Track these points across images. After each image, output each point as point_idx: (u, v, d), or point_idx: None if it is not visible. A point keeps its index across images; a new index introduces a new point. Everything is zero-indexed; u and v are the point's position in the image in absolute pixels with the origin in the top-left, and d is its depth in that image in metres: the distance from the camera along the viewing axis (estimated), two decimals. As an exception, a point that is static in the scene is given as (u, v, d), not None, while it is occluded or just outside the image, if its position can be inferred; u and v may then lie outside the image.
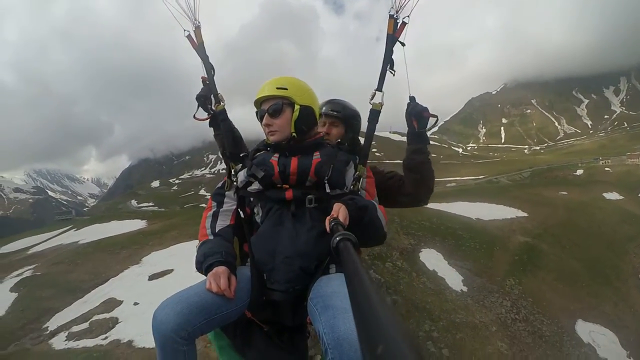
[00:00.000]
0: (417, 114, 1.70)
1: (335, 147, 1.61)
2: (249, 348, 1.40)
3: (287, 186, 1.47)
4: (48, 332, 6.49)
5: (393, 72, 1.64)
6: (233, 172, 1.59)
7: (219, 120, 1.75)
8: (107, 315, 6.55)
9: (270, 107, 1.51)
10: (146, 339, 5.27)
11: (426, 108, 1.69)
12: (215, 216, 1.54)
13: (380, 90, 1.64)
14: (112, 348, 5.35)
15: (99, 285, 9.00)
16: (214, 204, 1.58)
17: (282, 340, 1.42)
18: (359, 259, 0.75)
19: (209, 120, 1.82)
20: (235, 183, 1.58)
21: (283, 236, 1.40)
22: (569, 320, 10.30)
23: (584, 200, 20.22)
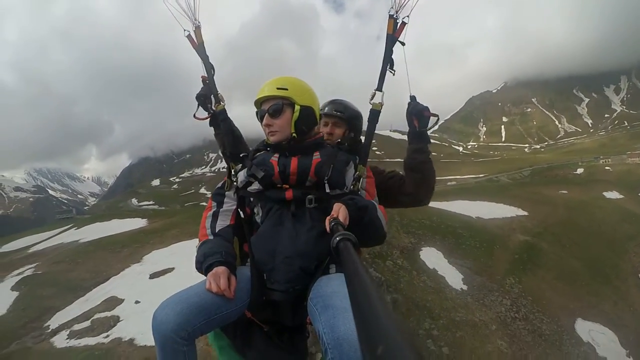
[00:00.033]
0: (418, 113, 1.70)
1: (335, 147, 1.61)
2: (249, 348, 1.40)
3: (287, 186, 1.47)
4: (49, 330, 6.51)
5: (393, 72, 1.64)
6: (233, 172, 1.59)
7: (219, 120, 1.75)
8: (108, 314, 6.57)
9: (270, 107, 1.51)
10: (147, 337, 5.29)
11: (427, 107, 1.69)
12: (215, 216, 1.54)
13: (380, 90, 1.64)
14: (114, 346, 5.37)
15: (100, 284, 9.02)
16: (214, 204, 1.58)
17: (282, 340, 1.42)
18: (359, 259, 0.75)
19: (209, 119, 1.83)
20: (235, 183, 1.58)
21: (283, 236, 1.40)
22: (569, 319, 10.31)
23: (584, 199, 20.21)
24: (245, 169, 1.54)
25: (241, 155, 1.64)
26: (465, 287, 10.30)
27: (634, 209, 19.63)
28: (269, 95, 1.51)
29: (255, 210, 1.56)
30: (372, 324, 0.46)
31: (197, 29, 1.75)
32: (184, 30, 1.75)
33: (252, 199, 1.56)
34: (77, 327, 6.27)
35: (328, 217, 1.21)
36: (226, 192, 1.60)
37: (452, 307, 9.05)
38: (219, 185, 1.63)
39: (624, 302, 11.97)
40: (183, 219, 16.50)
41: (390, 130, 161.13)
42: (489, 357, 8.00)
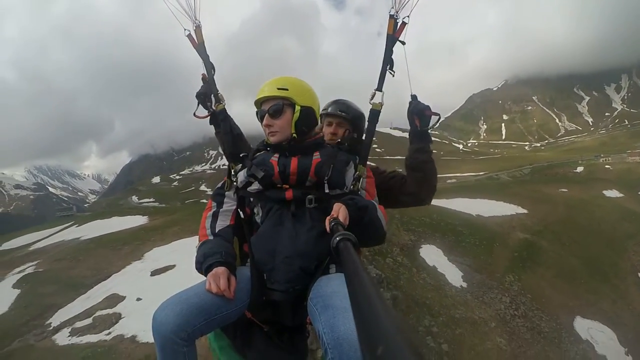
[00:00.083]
0: (419, 113, 1.69)
1: (335, 147, 1.61)
2: (249, 348, 1.41)
3: (287, 186, 1.47)
4: (51, 328, 6.55)
5: (393, 72, 1.64)
6: (233, 172, 1.59)
7: (219, 120, 1.76)
8: (110, 311, 6.60)
9: (270, 107, 1.51)
10: (149, 334, 5.28)
11: (428, 106, 1.69)
12: (215, 216, 1.54)
13: (380, 90, 1.64)
14: (116, 343, 5.40)
15: (102, 281, 9.06)
16: (214, 204, 1.58)
17: (282, 340, 1.42)
18: (359, 259, 0.75)
19: (209, 118, 1.83)
20: (235, 183, 1.58)
21: (283, 236, 1.40)
22: (568, 317, 10.36)
23: (584, 198, 20.22)
24: (245, 169, 1.54)
25: (241, 155, 1.64)
26: (464, 285, 10.34)
27: (633, 207, 19.65)
28: (269, 95, 1.51)
29: (255, 211, 1.56)
30: (372, 324, 0.46)
31: (198, 28, 1.75)
32: (185, 29, 1.75)
33: (252, 199, 1.56)
34: (79, 324, 6.31)
35: (328, 217, 1.22)
36: (226, 192, 1.60)
37: (451, 305, 9.09)
38: (219, 185, 1.63)
39: (623, 300, 12.01)
40: (183, 216, 16.52)
41: (391, 128, 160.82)
42: (488, 354, 8.04)
